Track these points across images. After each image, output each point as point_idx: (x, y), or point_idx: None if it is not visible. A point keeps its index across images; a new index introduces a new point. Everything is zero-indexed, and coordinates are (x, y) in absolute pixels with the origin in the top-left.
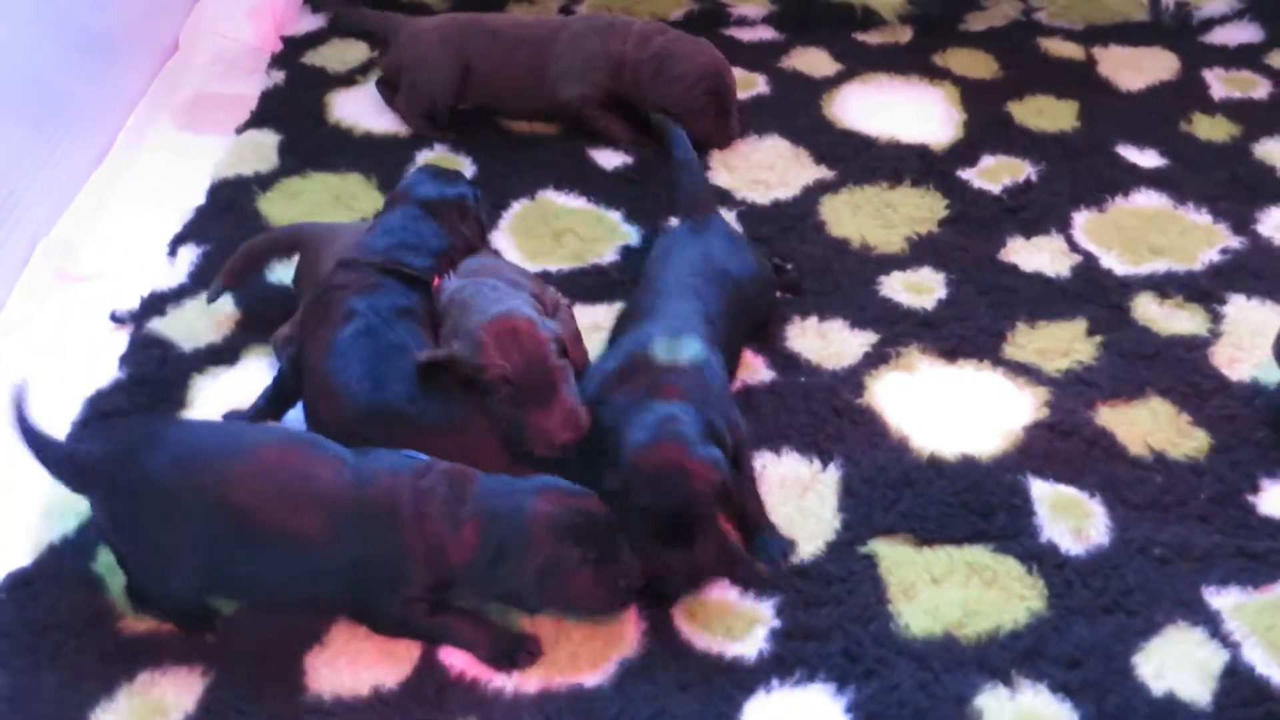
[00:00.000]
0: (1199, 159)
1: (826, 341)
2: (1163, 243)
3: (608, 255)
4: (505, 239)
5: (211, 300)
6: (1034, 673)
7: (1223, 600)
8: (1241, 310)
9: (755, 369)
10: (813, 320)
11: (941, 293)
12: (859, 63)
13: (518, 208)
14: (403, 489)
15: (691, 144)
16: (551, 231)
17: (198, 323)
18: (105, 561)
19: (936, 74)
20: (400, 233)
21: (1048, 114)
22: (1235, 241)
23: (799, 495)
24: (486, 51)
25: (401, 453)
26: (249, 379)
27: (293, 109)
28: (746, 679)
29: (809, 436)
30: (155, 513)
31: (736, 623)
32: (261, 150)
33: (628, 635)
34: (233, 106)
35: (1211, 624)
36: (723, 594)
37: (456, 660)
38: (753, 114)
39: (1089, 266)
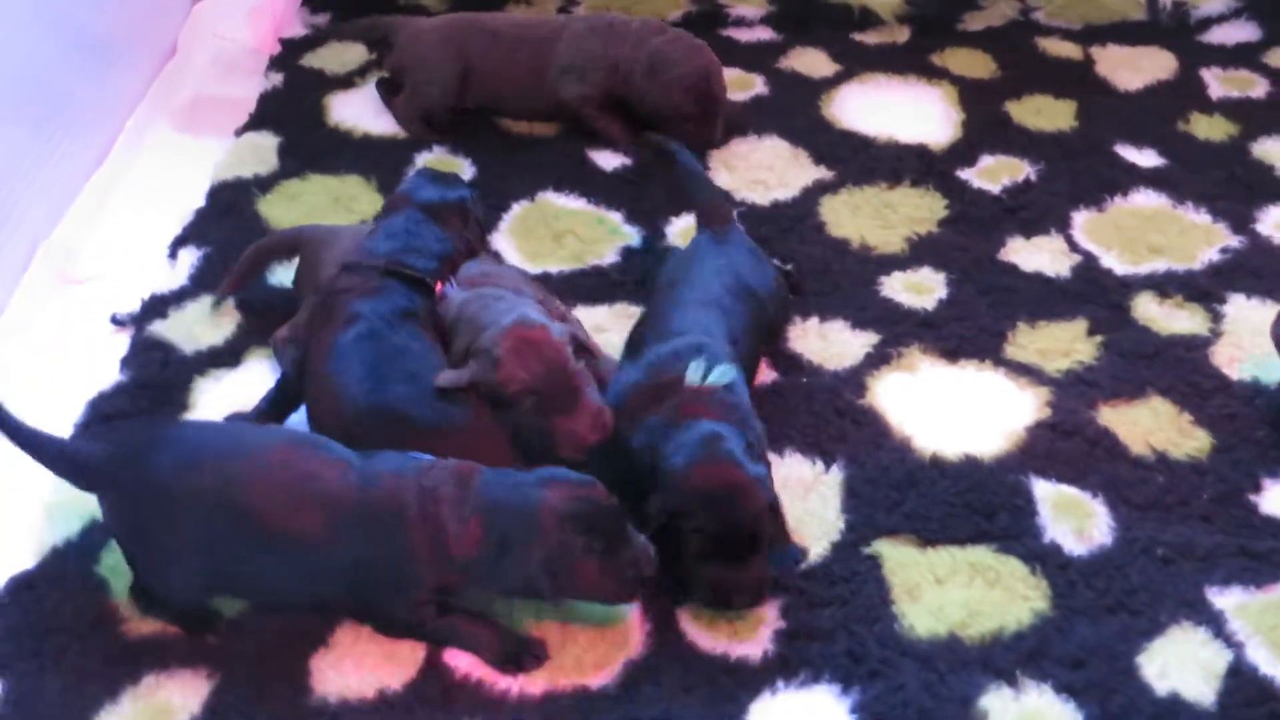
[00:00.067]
0: (1197, 158)
1: (828, 342)
2: (1162, 242)
3: (608, 256)
4: (505, 240)
5: (217, 305)
6: (1038, 673)
7: (1226, 600)
8: (1241, 309)
9: (757, 370)
10: (814, 321)
11: (942, 293)
12: (857, 63)
13: (517, 209)
14: (408, 490)
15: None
16: (551, 233)
17: (198, 325)
18: (109, 564)
19: (935, 74)
20: (403, 236)
21: (1046, 114)
22: (1234, 241)
23: (802, 496)
24: (487, 52)
25: (406, 454)
26: (251, 381)
27: (291, 111)
28: (751, 680)
29: (811, 437)
30: (160, 513)
31: (741, 624)
32: (261, 152)
33: (633, 637)
34: (231, 109)
35: (1215, 624)
36: None
37: (461, 662)
38: (752, 115)
39: (1089, 266)
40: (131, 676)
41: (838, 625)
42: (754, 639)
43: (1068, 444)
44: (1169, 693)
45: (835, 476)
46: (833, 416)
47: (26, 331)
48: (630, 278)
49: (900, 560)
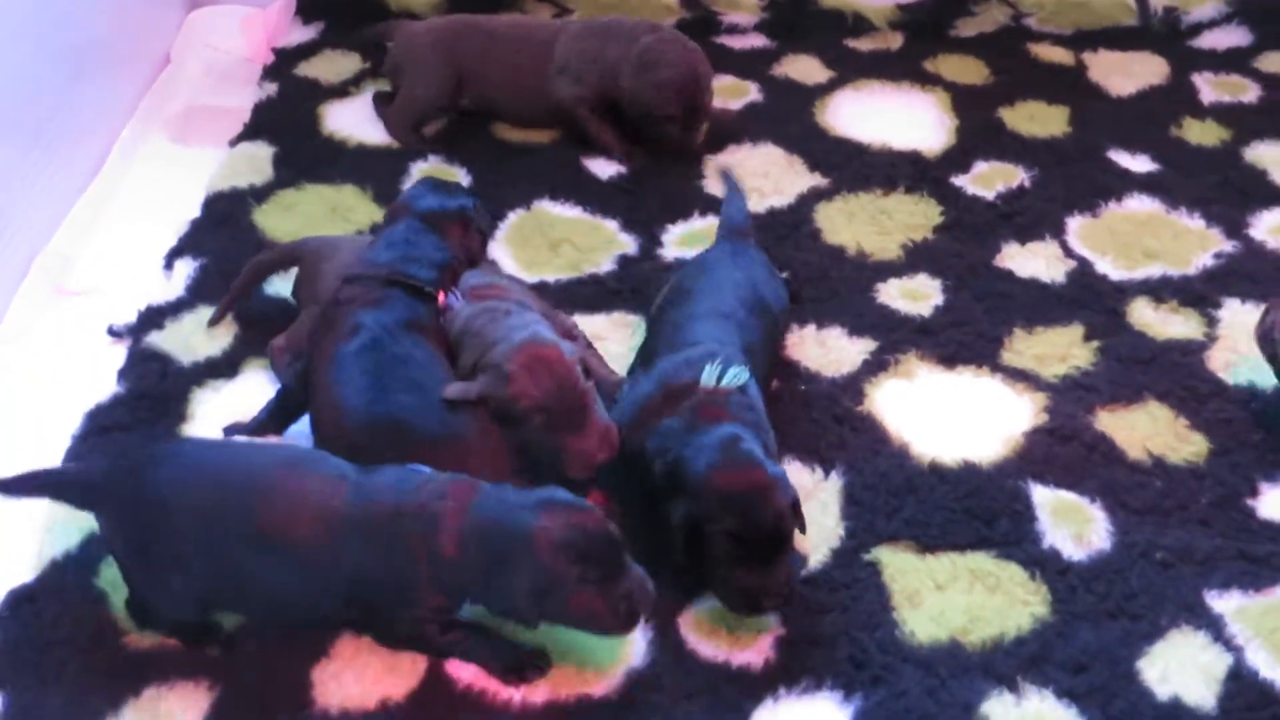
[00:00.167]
0: (1190, 163)
1: (825, 349)
2: (1156, 247)
3: (605, 265)
4: (502, 249)
5: (215, 322)
6: (1040, 678)
7: (1225, 604)
8: (1236, 314)
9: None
10: (811, 328)
11: (938, 299)
12: (850, 69)
13: (513, 218)
14: (405, 508)
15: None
16: (548, 241)
17: (195, 336)
18: (108, 577)
19: (928, 80)
20: (403, 246)
21: (1039, 119)
22: (1228, 245)
23: (802, 503)
24: (484, 52)
25: (406, 468)
26: (249, 392)
27: (286, 121)
28: (753, 688)
29: (810, 445)
30: (158, 531)
31: (742, 631)
32: (256, 162)
33: (634, 645)
34: (226, 119)
35: (1215, 628)
36: None
37: (464, 673)
38: (746, 122)
39: (1084, 272)
40: (133, 689)
41: (839, 632)
42: (755, 646)
43: (1066, 449)
44: (1170, 697)
45: (834, 483)
46: (831, 424)
47: (23, 343)
48: (627, 286)
49: (900, 566)
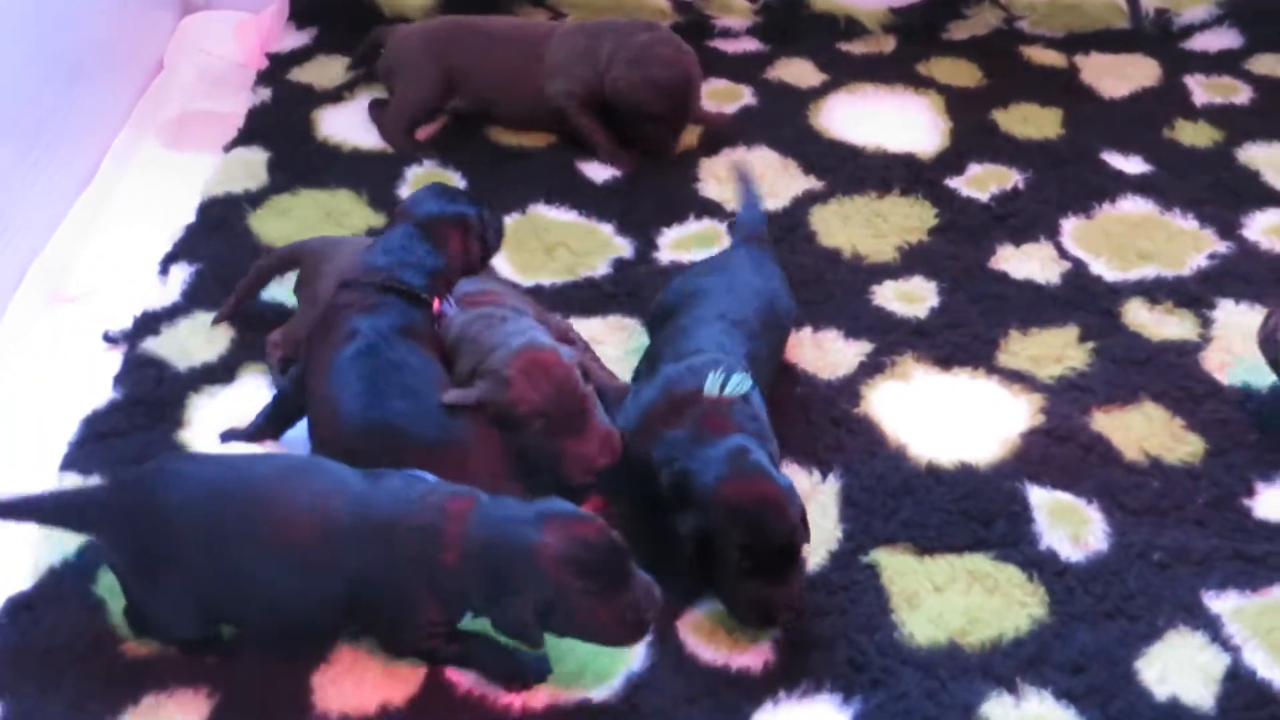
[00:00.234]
0: (1183, 165)
1: (822, 351)
2: (1151, 248)
3: (600, 268)
4: (497, 254)
5: (220, 320)
6: (1038, 679)
7: (1222, 604)
8: (1231, 314)
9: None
10: (807, 331)
11: (934, 301)
12: (844, 73)
13: (508, 222)
14: (405, 522)
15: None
16: (543, 245)
17: (192, 342)
18: (106, 584)
19: (921, 83)
20: (398, 251)
21: (1032, 121)
22: (1222, 246)
23: None
24: (477, 52)
25: (408, 475)
26: (246, 397)
27: (280, 126)
28: (753, 691)
29: (808, 447)
30: (164, 552)
31: (742, 634)
32: (250, 168)
33: (634, 649)
34: (219, 124)
35: (1212, 628)
36: None
37: (464, 678)
38: (740, 125)
39: (1079, 273)
40: (132, 697)
41: (838, 634)
42: (754, 649)
43: (1062, 450)
44: (1168, 697)
45: (832, 486)
46: (828, 426)
47: (19, 349)
48: (623, 289)
49: (898, 568)
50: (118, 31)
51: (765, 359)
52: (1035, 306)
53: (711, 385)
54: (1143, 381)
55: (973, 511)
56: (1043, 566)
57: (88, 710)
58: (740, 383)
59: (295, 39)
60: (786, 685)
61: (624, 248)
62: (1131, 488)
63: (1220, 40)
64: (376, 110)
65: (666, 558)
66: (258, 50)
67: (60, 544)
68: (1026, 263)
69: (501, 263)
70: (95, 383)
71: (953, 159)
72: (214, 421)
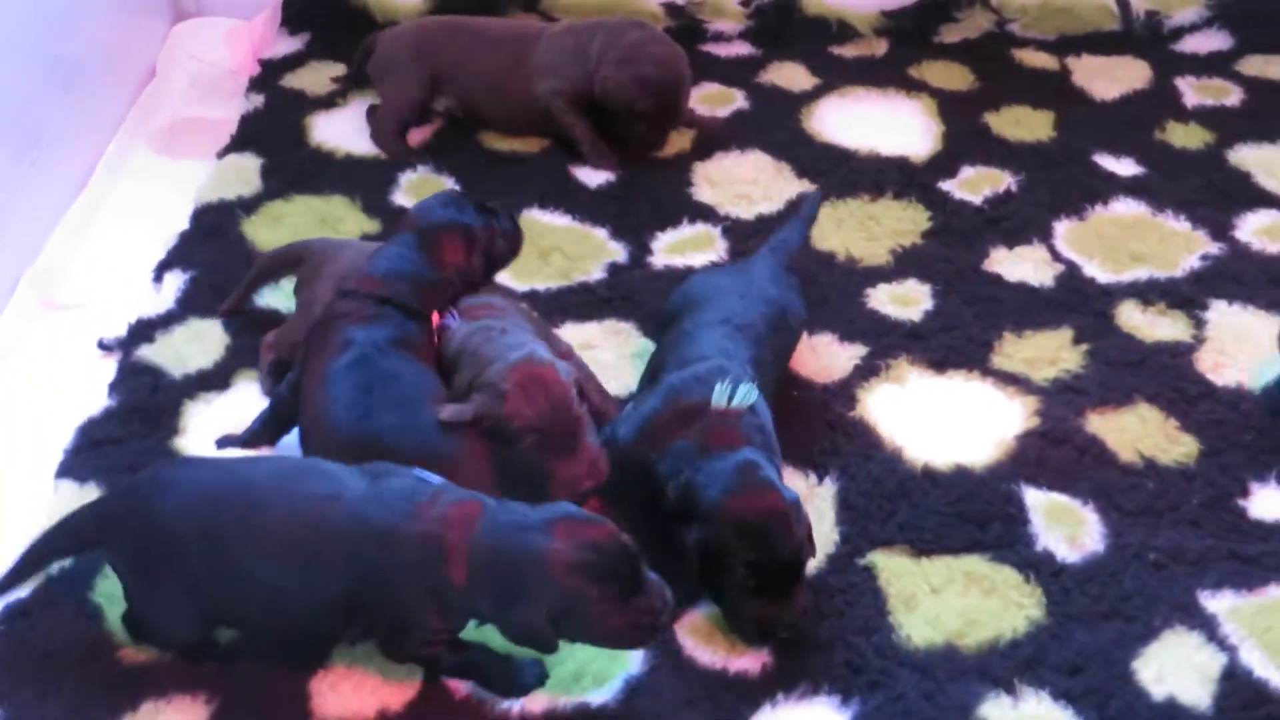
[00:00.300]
0: (1175, 166)
1: (817, 355)
2: (1143, 250)
3: (595, 273)
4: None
5: (222, 315)
6: (1036, 680)
7: (1218, 604)
8: (1223, 316)
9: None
10: (802, 335)
11: (928, 304)
12: (836, 76)
13: None
14: (408, 532)
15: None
16: (537, 250)
17: (187, 349)
18: (103, 590)
19: (913, 86)
20: (396, 261)
21: (1024, 124)
22: (1214, 248)
23: None
24: (464, 51)
25: (413, 479)
26: (241, 403)
27: (273, 132)
28: (751, 693)
29: (804, 451)
30: (165, 560)
31: (739, 638)
32: (244, 174)
33: (633, 653)
34: (212, 131)
35: (1208, 628)
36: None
37: (462, 683)
38: (733, 129)
39: (1072, 275)
40: (130, 703)
41: (835, 637)
42: (752, 653)
43: (1057, 452)
44: (1166, 697)
45: (828, 489)
46: (824, 429)
47: (13, 358)
48: (618, 294)
49: (895, 571)
50: (109, 39)
51: (770, 364)
52: (1029, 309)
53: (719, 396)
54: (1137, 383)
55: (969, 513)
56: (1039, 568)
57: (86, 716)
58: (747, 393)
59: (287, 45)
60: (785, 688)
61: (618, 252)
62: (1127, 489)
63: (1210, 42)
64: (372, 116)
65: (665, 563)
66: (250, 57)
67: None
68: (1020, 265)
69: None
70: (90, 390)
71: (945, 162)
72: (210, 428)
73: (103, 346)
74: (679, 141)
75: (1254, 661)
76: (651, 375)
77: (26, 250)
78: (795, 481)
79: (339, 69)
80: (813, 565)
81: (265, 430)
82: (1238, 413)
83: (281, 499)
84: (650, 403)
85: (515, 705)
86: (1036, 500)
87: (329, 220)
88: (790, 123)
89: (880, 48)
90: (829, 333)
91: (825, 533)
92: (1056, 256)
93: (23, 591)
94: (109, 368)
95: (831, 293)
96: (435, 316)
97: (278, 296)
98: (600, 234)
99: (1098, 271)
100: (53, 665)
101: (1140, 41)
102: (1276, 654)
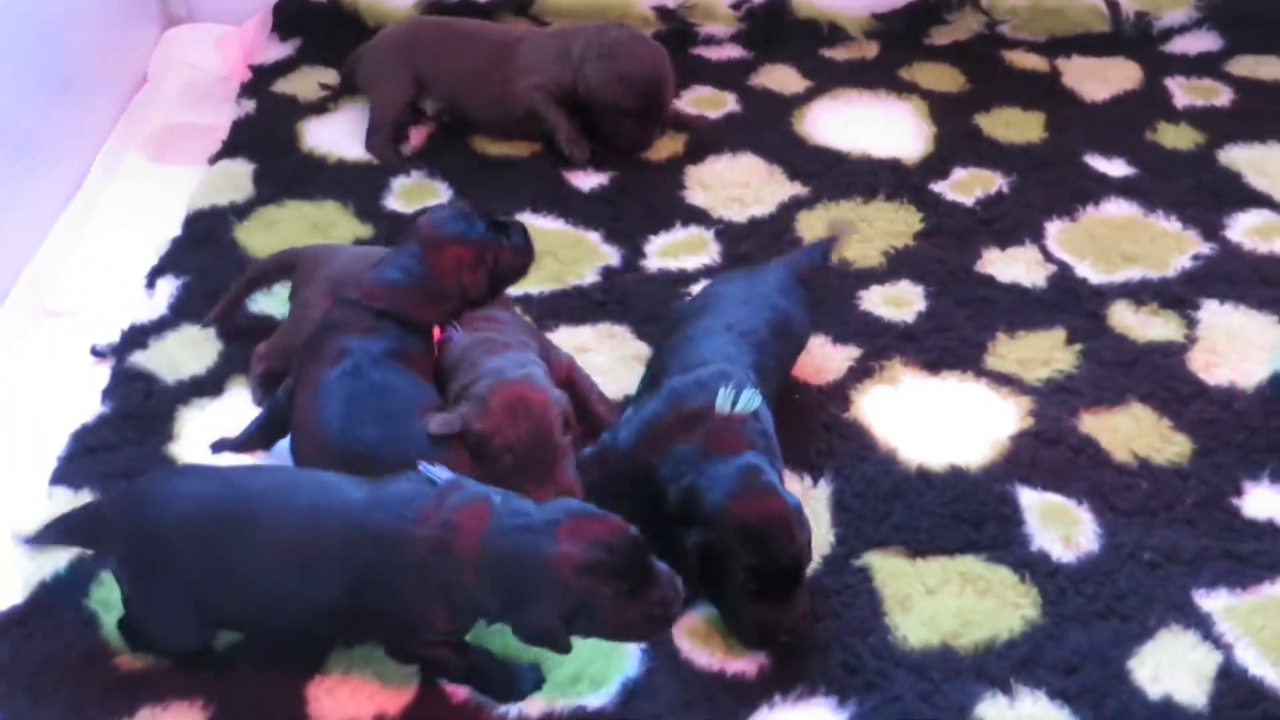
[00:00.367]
0: (1166, 167)
1: (811, 357)
2: (1135, 250)
3: (588, 277)
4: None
5: (213, 322)
6: (1032, 680)
7: (1213, 603)
8: (1215, 315)
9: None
10: (806, 344)
11: (921, 305)
12: (827, 79)
13: None
14: (413, 537)
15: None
16: None
17: (180, 355)
18: (99, 597)
19: (904, 88)
20: (399, 272)
21: (1015, 125)
22: (1205, 248)
23: None
24: (449, 51)
25: (417, 481)
26: (235, 409)
27: (265, 138)
28: (748, 695)
29: (799, 453)
30: (166, 570)
31: (736, 639)
32: (236, 180)
33: (629, 655)
34: (204, 137)
35: (1203, 626)
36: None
37: (460, 687)
38: (725, 132)
39: (1064, 276)
40: (127, 709)
41: (831, 638)
42: (749, 654)
43: (1051, 452)
44: (1162, 696)
45: (823, 490)
46: (819, 431)
47: (6, 365)
48: (612, 297)
49: (891, 572)
50: (101, 45)
51: (774, 370)
52: (1022, 309)
53: (723, 402)
54: (1130, 383)
55: (964, 514)
56: (1034, 568)
57: None
58: (750, 399)
59: (278, 50)
60: (781, 689)
61: (611, 256)
62: (1121, 488)
63: (1200, 43)
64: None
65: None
66: (241, 62)
67: (51, 559)
68: (1012, 266)
69: None
70: (84, 397)
71: (937, 164)
72: (203, 434)
73: (96, 353)
74: (671, 145)
75: (1249, 659)
76: (652, 379)
77: (19, 258)
78: (790, 483)
79: (330, 74)
80: (808, 567)
81: (260, 434)
82: (1230, 412)
83: (280, 506)
84: (652, 406)
85: (513, 710)
86: (1031, 500)
87: (321, 225)
88: (782, 125)
89: (871, 50)
90: (823, 334)
91: (820, 534)
92: (1048, 257)
93: (18, 599)
94: (102, 374)
95: (825, 294)
96: (436, 332)
97: (271, 302)
98: (593, 238)
99: (1090, 272)
100: (49, 672)
101: (1130, 42)
102: (1271, 652)
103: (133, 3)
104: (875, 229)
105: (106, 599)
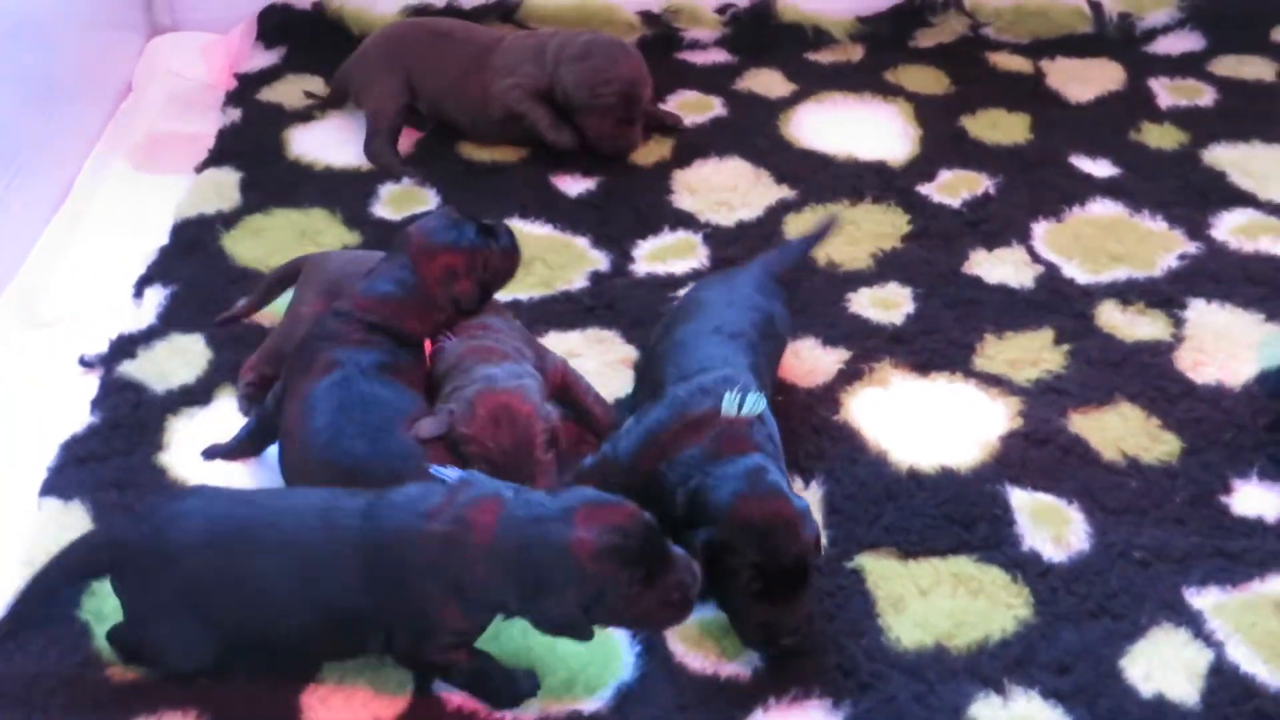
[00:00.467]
0: (1150, 167)
1: (800, 360)
2: (1121, 250)
3: (577, 282)
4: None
5: (224, 323)
6: (1025, 680)
7: (1204, 600)
8: (1202, 314)
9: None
10: (788, 341)
11: (909, 307)
12: (813, 82)
13: None
14: (424, 538)
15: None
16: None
17: (169, 364)
18: (90, 609)
19: (889, 91)
20: (390, 284)
21: (1000, 127)
22: (1191, 247)
23: None
24: (431, 51)
25: (423, 493)
26: (224, 418)
27: (251, 146)
28: (743, 698)
29: (790, 455)
30: (178, 590)
31: (730, 642)
32: (222, 188)
33: (623, 660)
34: (190, 145)
35: (1194, 624)
36: (716, 613)
37: (454, 693)
38: (711, 136)
39: (1051, 276)
40: None
41: (825, 640)
42: (744, 657)
43: (1041, 452)
44: (1154, 694)
45: (815, 493)
46: (809, 434)
47: None
48: (601, 302)
49: (883, 573)
50: (86, 54)
51: (766, 370)
52: (1010, 310)
53: (729, 406)
54: (1118, 382)
55: (955, 515)
56: (1026, 568)
57: None
58: (756, 402)
59: (264, 59)
60: (776, 692)
61: (600, 261)
62: (1111, 487)
63: (1183, 43)
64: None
65: None
66: (226, 71)
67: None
68: (999, 267)
69: None
70: (72, 407)
71: (923, 166)
72: (193, 444)
73: (84, 363)
74: (658, 149)
75: (1240, 657)
76: (650, 387)
77: (5, 269)
78: None
79: (315, 82)
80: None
81: (250, 441)
82: (1219, 410)
83: (293, 513)
84: (655, 415)
85: (508, 716)
86: (1022, 501)
87: (309, 233)
88: (768, 129)
89: (856, 53)
90: (812, 337)
91: None
92: (1036, 258)
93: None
94: (91, 384)
95: (813, 297)
96: (428, 345)
97: (264, 310)
98: (581, 243)
99: (1077, 272)
100: (41, 684)
101: (1113, 43)
102: (1262, 649)
103: (117, 11)
104: (863, 231)
105: (98, 610)
